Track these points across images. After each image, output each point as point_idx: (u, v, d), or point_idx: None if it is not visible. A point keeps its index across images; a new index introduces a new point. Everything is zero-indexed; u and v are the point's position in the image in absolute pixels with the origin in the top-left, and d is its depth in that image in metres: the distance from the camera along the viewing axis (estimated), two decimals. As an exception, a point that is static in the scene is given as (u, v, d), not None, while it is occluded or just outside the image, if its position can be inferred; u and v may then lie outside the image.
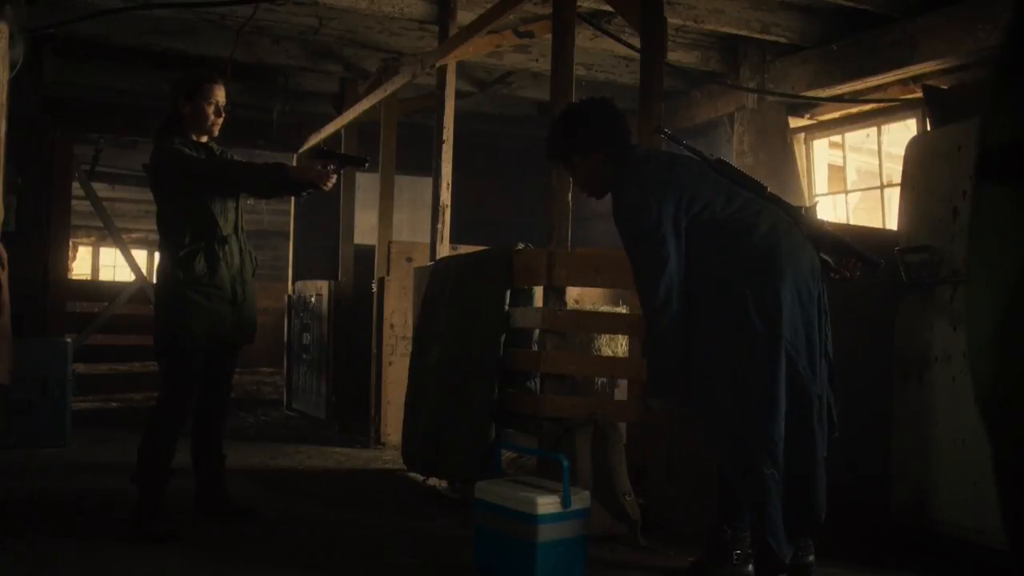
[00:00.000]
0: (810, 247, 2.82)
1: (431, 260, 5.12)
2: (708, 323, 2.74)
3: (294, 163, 7.87)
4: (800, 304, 2.71)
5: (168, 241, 3.44)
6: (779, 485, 2.65)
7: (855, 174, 6.84)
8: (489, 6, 4.75)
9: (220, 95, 3.49)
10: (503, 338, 3.95)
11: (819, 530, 2.78)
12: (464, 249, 5.03)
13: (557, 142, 3.02)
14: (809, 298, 2.73)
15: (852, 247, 2.86)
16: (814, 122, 6.38)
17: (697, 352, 2.76)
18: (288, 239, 8.51)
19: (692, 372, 2.77)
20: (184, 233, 3.39)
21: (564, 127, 3.00)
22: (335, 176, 3.43)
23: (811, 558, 2.81)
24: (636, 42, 4.13)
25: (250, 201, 6.02)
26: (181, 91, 3.47)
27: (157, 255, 3.63)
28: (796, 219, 2.86)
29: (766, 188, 2.90)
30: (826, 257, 2.88)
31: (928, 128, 5.23)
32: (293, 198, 7.32)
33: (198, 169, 3.42)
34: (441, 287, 4.44)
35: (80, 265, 16.24)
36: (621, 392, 4.29)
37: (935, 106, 4.40)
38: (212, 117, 3.48)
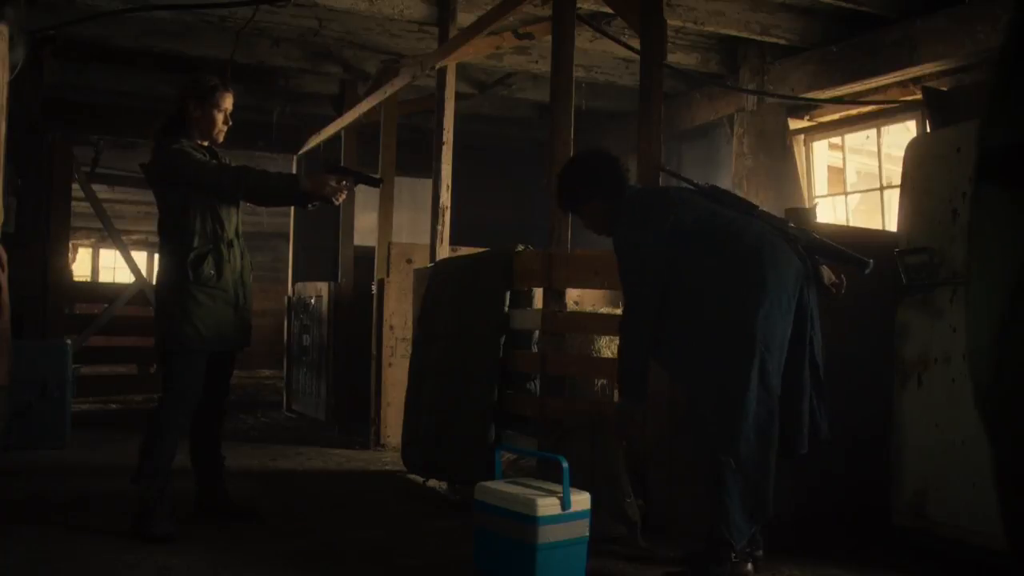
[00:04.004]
0: (796, 259, 2.93)
1: (431, 262, 5.12)
2: (692, 324, 2.91)
3: (294, 166, 7.87)
4: (780, 312, 2.83)
5: (174, 243, 3.43)
6: (737, 476, 2.79)
7: (855, 176, 6.85)
8: (489, 8, 4.76)
9: (229, 103, 3.54)
10: (503, 339, 3.96)
11: (763, 525, 2.92)
12: (464, 251, 5.03)
13: (562, 198, 3.35)
14: (788, 307, 2.85)
15: (837, 249, 3.00)
16: (814, 124, 6.38)
17: (680, 352, 2.95)
18: (288, 241, 8.51)
19: (677, 373, 3.10)
20: (192, 235, 3.39)
21: (563, 185, 3.31)
22: (347, 192, 3.47)
23: (759, 552, 2.99)
24: (636, 44, 4.13)
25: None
26: (192, 94, 3.47)
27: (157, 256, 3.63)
28: (785, 233, 3.00)
29: (757, 207, 3.10)
30: (823, 267, 3.02)
31: (928, 130, 5.23)
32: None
33: (212, 173, 3.42)
34: (441, 289, 4.44)
35: (80, 267, 16.23)
36: (621, 393, 4.28)
37: (935, 108, 4.40)
38: (220, 124, 3.51)
